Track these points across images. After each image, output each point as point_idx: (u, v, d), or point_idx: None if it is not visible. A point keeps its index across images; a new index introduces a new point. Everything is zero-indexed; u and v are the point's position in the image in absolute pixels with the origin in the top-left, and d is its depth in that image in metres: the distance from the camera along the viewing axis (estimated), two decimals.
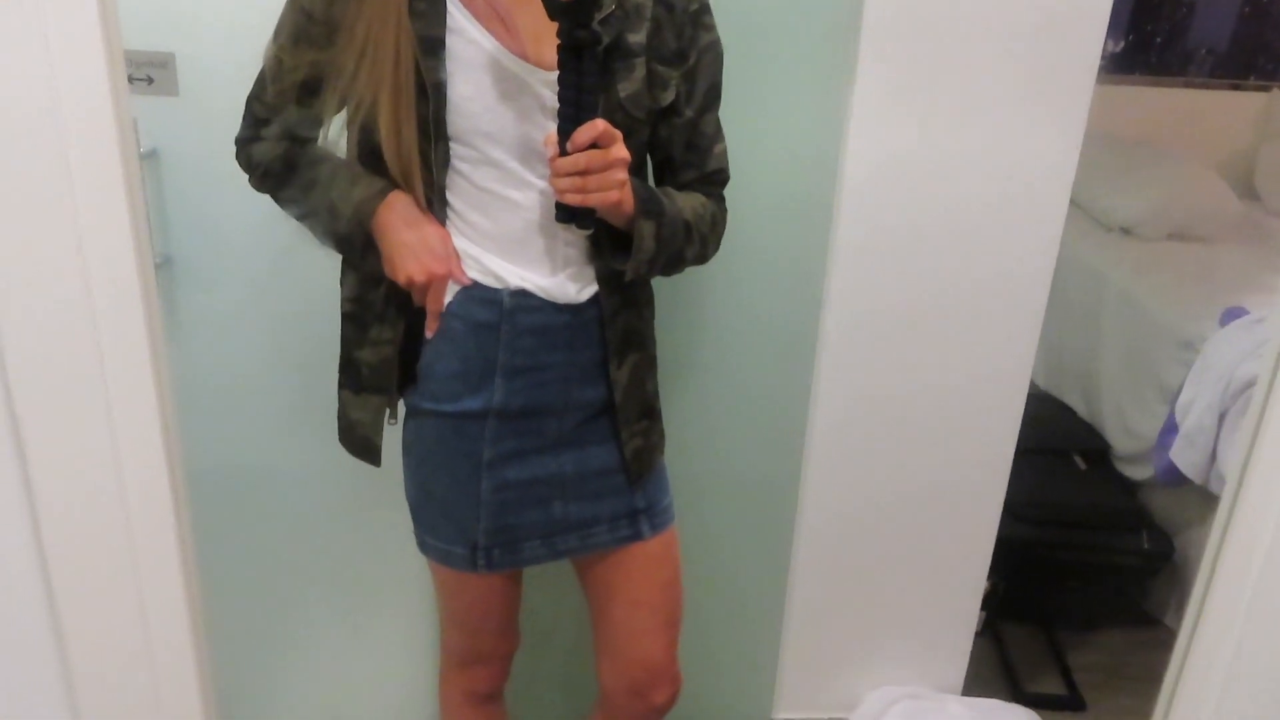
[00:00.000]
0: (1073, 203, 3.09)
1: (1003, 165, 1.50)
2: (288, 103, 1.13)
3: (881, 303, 1.56)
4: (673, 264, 1.20)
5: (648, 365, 1.26)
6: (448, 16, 1.05)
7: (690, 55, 1.16)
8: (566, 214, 1.07)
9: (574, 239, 1.14)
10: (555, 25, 0.99)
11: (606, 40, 1.05)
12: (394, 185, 1.11)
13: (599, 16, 1.05)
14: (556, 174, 1.03)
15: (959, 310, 1.58)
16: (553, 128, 1.05)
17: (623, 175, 1.05)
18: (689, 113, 1.18)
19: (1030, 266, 1.58)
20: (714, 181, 1.25)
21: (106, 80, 0.79)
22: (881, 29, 1.40)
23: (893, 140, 1.46)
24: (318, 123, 1.16)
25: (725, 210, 1.27)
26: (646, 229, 1.12)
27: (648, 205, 1.12)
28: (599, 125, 1.01)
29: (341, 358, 1.23)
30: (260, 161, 1.17)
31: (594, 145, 1.02)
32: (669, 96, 1.15)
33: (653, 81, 1.14)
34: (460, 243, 1.13)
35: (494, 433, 1.16)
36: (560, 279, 1.14)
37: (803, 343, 1.61)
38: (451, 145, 1.08)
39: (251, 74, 1.34)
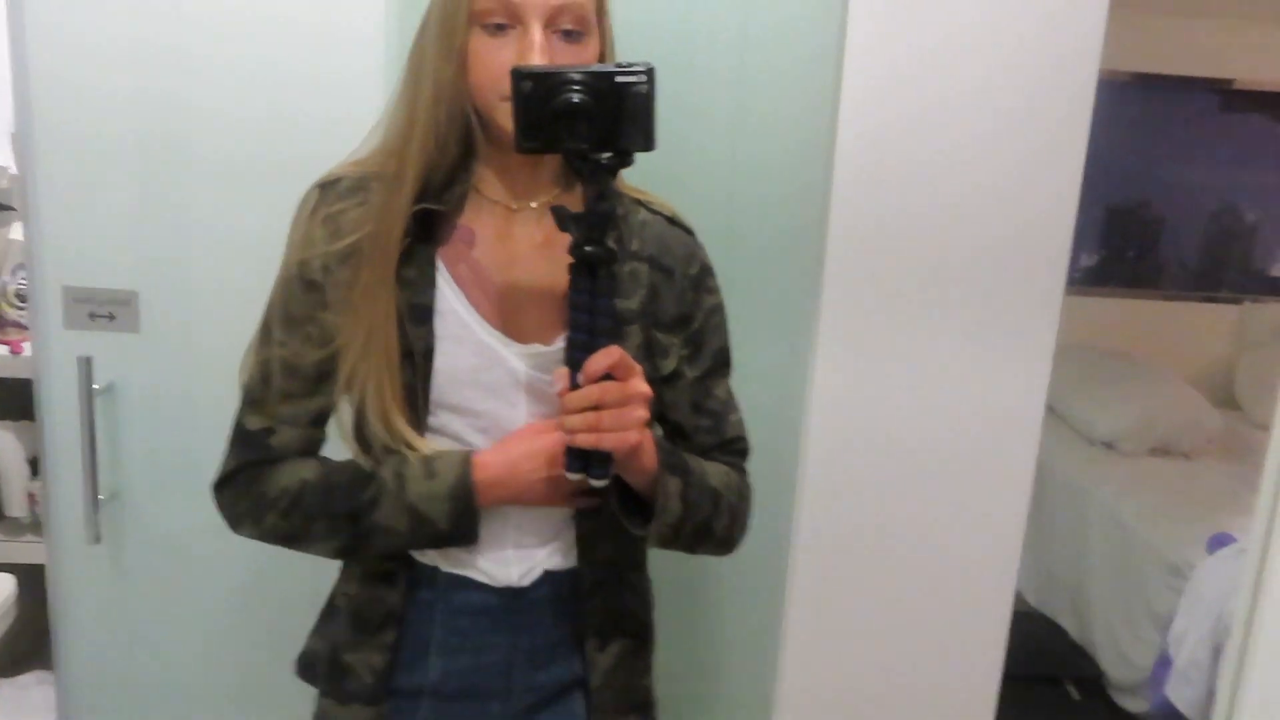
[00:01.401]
0: (1056, 415, 3.13)
1: (974, 382, 1.47)
2: (300, 400, 1.01)
3: (855, 521, 1.51)
4: (699, 536, 1.04)
5: (643, 655, 1.13)
6: (435, 285, 1.00)
7: (694, 319, 1.08)
8: (578, 462, 0.93)
9: (525, 521, 1.03)
10: (538, 296, 0.93)
11: (619, 259, 0.95)
12: (445, 447, 1.01)
13: (613, 233, 0.94)
14: (566, 410, 0.91)
15: (936, 530, 1.52)
16: (526, 406, 0.99)
17: (643, 413, 0.92)
18: (692, 374, 1.09)
19: (1008, 484, 1.52)
20: (734, 451, 1.12)
21: None
22: (842, 255, 1.39)
23: (859, 363, 1.45)
24: (325, 417, 1.04)
25: (750, 488, 1.13)
26: (672, 486, 0.98)
27: (672, 460, 0.99)
28: (615, 353, 0.90)
29: (323, 659, 1.08)
30: (284, 491, 1.00)
31: (609, 377, 0.91)
32: (670, 364, 1.07)
33: (652, 349, 1.05)
34: None
35: (429, 714, 1.06)
36: (504, 558, 1.04)
37: (774, 558, 1.55)
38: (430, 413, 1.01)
39: (210, 313, 1.36)
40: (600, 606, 1.08)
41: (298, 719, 1.14)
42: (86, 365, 1.31)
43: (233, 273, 1.34)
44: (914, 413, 1.48)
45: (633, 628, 1.11)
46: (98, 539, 1.36)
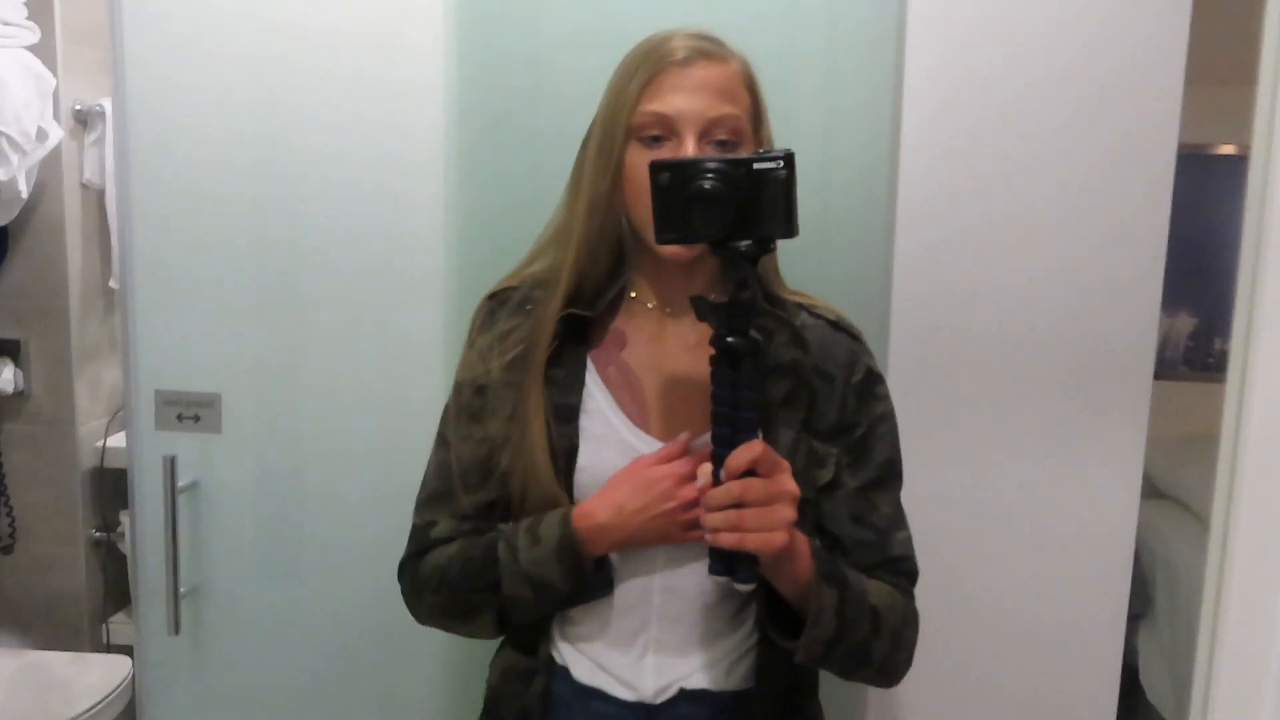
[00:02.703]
0: (1191, 513, 2.90)
1: (1056, 481, 1.36)
2: (464, 495, 1.05)
3: (936, 601, 1.42)
4: (854, 658, 0.96)
5: None
6: (584, 385, 1.03)
7: (857, 427, 1.04)
8: (722, 564, 0.89)
9: (666, 629, 1.00)
10: (686, 395, 0.93)
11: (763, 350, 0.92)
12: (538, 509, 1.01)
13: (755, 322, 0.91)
14: (708, 507, 0.87)
15: (1030, 658, 1.42)
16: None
17: (790, 513, 0.87)
18: (853, 484, 1.03)
19: (1103, 586, 1.39)
20: (899, 572, 1.04)
21: None
22: (906, 354, 1.36)
23: (932, 461, 1.39)
24: (490, 509, 1.06)
25: (916, 614, 1.04)
26: (827, 599, 0.91)
27: (829, 571, 0.93)
28: (757, 448, 0.86)
29: None
30: (435, 568, 1.04)
31: (752, 473, 0.87)
32: (827, 474, 1.02)
33: (808, 459, 1.01)
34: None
35: None
36: (641, 668, 1.01)
37: None
38: None
39: (285, 414, 1.43)
40: None
41: None
42: (171, 464, 1.39)
43: (308, 376, 1.41)
44: (989, 503, 1.39)
45: None
46: (177, 630, 1.42)
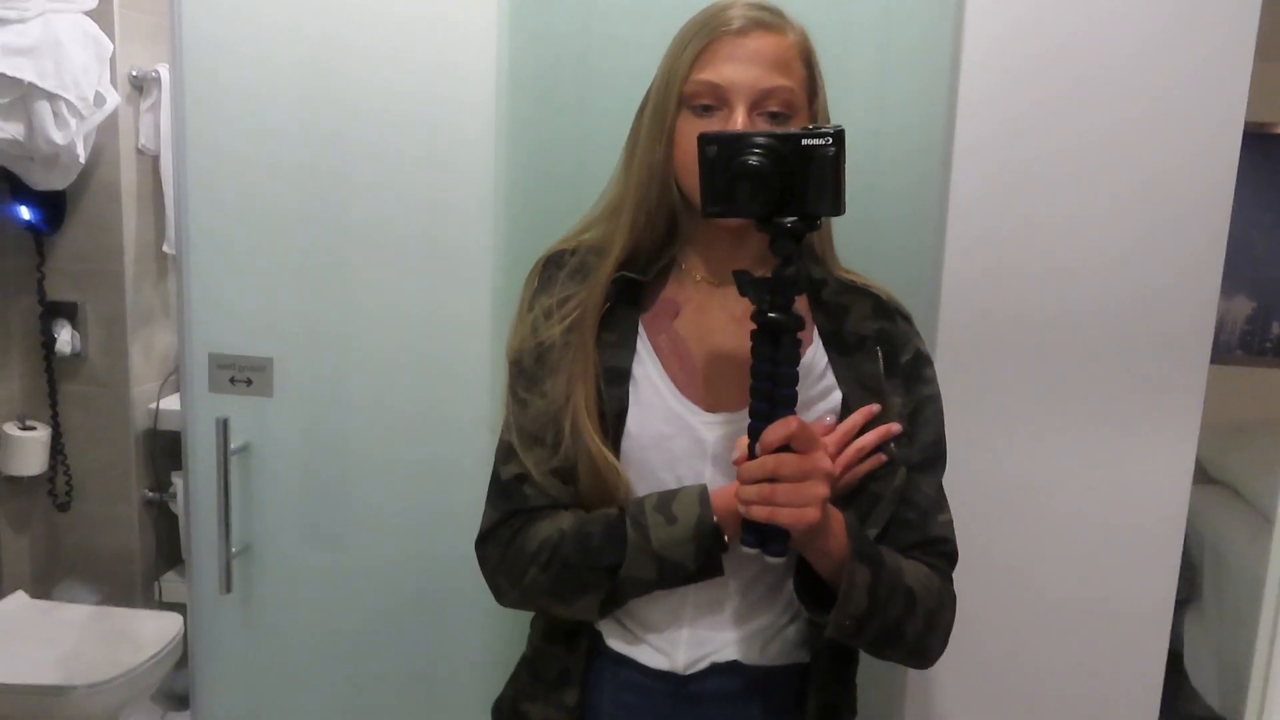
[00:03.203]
0: (1243, 499, 2.85)
1: (1108, 460, 1.34)
2: (541, 451, 1.02)
3: (984, 584, 1.41)
4: (886, 638, 0.96)
5: None
6: (635, 350, 1.03)
7: (906, 407, 1.04)
8: (754, 536, 0.90)
9: (704, 603, 1.01)
10: (733, 367, 0.93)
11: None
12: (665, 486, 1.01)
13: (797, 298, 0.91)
14: (742, 480, 0.88)
15: (1076, 626, 1.40)
16: (711, 475, 0.98)
17: (823, 490, 0.88)
18: (902, 466, 1.03)
19: (1153, 568, 1.36)
20: (938, 553, 1.03)
21: None
22: (956, 334, 1.35)
23: (982, 435, 1.37)
24: (568, 471, 1.03)
25: (953, 597, 1.04)
26: (859, 577, 0.91)
27: (863, 548, 0.93)
28: (793, 424, 0.87)
29: (506, 705, 1.12)
30: (544, 543, 1.00)
31: (788, 448, 0.88)
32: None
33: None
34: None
35: None
36: (676, 639, 1.02)
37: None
38: None
39: (336, 378, 1.45)
40: (817, 705, 1.04)
41: None
42: (224, 426, 1.42)
43: (359, 342, 1.43)
44: (1040, 485, 1.38)
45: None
46: (229, 588, 1.45)
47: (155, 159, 2.60)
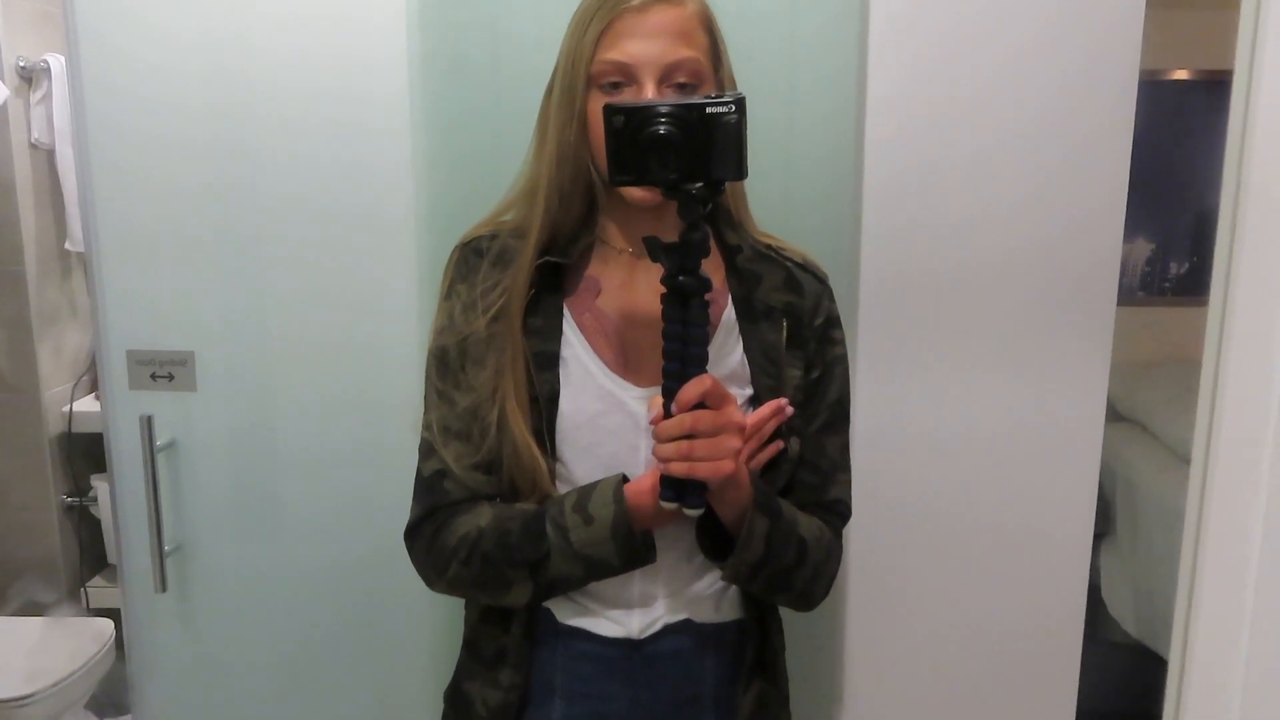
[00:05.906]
0: (1149, 433, 2.99)
1: (1024, 398, 1.40)
2: (463, 444, 1.04)
3: (908, 526, 1.46)
4: (777, 583, 1.02)
5: (779, 703, 1.14)
6: (562, 333, 1.05)
7: (814, 369, 1.08)
8: (672, 491, 0.93)
9: (650, 571, 1.03)
10: (656, 342, 0.94)
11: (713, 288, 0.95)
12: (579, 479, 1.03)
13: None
14: (659, 438, 0.92)
15: (997, 556, 1.46)
16: (645, 449, 1.00)
17: (736, 443, 0.92)
18: (809, 429, 1.08)
19: (1070, 503, 1.44)
20: (833, 511, 1.10)
21: None
22: (875, 287, 1.39)
23: (902, 379, 1.42)
24: (491, 464, 1.04)
25: (840, 550, 1.12)
26: (759, 526, 0.97)
27: (765, 501, 0.99)
28: (707, 381, 0.91)
29: (451, 685, 1.13)
30: (463, 539, 1.02)
31: (703, 405, 0.92)
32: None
33: (770, 398, 1.05)
34: None
35: None
36: (629, 607, 1.05)
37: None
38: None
39: (263, 364, 1.42)
40: (754, 658, 1.09)
41: None
42: (148, 424, 1.39)
43: (282, 328, 1.40)
44: (960, 430, 1.43)
45: (772, 673, 1.12)
46: (164, 588, 1.42)
47: (50, 153, 2.50)
